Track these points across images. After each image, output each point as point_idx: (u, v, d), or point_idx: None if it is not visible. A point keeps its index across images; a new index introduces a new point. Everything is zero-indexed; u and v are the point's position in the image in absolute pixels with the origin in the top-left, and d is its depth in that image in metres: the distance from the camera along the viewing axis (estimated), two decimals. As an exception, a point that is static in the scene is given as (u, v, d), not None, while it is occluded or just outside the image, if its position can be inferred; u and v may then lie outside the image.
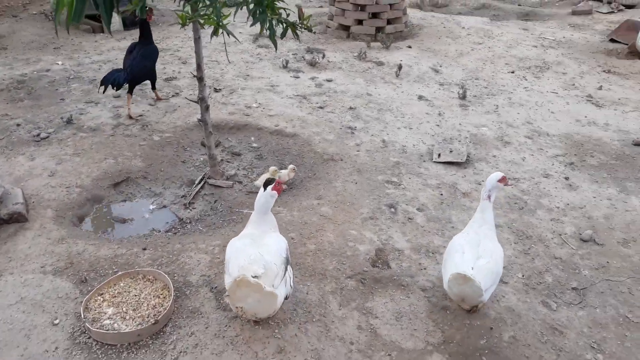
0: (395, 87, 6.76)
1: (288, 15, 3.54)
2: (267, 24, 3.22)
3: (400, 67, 7.08)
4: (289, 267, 2.97)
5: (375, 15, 8.81)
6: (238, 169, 4.83)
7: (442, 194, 4.49)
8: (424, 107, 6.23)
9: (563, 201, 4.46)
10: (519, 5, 12.60)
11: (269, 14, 3.22)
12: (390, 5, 8.76)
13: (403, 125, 5.74)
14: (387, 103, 6.27)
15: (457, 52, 8.16)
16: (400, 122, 5.81)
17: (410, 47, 8.32)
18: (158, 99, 6.10)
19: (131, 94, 5.67)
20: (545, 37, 9.25)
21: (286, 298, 2.93)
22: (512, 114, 6.12)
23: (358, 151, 5.15)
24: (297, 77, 6.94)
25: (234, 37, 3.72)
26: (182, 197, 4.41)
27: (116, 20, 8.85)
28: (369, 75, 7.11)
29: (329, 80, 6.86)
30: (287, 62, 7.28)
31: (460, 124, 5.81)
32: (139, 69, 5.57)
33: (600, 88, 6.94)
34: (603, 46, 8.84)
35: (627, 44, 8.74)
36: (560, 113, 6.19)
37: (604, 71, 7.61)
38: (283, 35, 3.52)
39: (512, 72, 7.42)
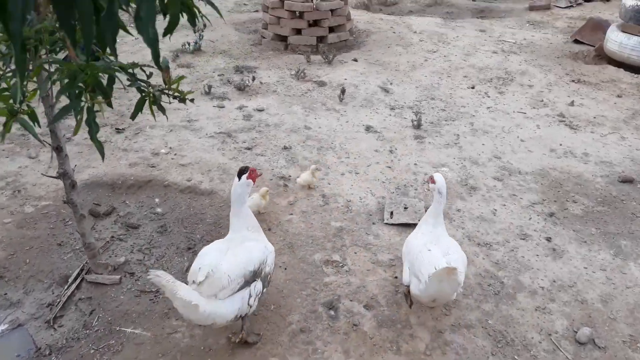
0: (339, 116, 5.70)
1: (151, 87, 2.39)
2: (79, 112, 2.02)
3: (343, 90, 6.02)
4: (255, 284, 2.77)
5: (315, 23, 7.71)
6: (132, 251, 3.68)
7: (397, 277, 3.47)
8: (373, 141, 5.20)
9: (548, 277, 3.52)
10: (473, 0, 11.74)
11: (86, 99, 2.03)
12: (332, 11, 7.67)
13: (348, 170, 4.70)
14: (329, 138, 5.21)
15: (410, 65, 7.16)
16: (344, 164, 4.77)
17: (356, 60, 7.27)
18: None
19: None
20: (505, 39, 8.37)
21: (242, 317, 2.76)
22: (476, 145, 5.16)
23: (291, 214, 4.07)
24: (222, 107, 5.79)
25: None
26: (47, 306, 3.24)
27: None
28: (308, 101, 6.03)
29: (261, 110, 5.74)
30: (210, 87, 6.11)
31: (415, 163, 4.82)
32: None
33: (572, 104, 6.07)
34: (567, 48, 8.02)
35: (593, 46, 7.95)
36: (532, 141, 5.27)
37: (573, 81, 6.77)
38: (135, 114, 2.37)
39: (473, 88, 6.48)
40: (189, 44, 7.34)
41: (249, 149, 4.98)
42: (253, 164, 4.70)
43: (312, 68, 6.94)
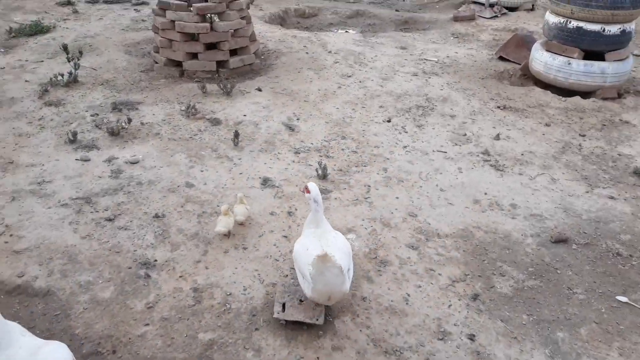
0: (231, 166, 4.78)
1: None
2: None
3: (237, 134, 5.09)
4: None
5: (214, 46, 6.75)
6: None
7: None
8: (269, 199, 4.32)
9: (472, 400, 2.75)
10: (397, 10, 11.11)
11: None
12: (234, 31, 6.73)
13: (233, 244, 3.80)
14: (215, 199, 4.28)
15: (321, 94, 6.33)
16: (229, 237, 3.86)
17: (260, 89, 6.37)
18: None
19: None
20: (427, 58, 7.71)
21: None
22: (389, 200, 4.39)
23: (147, 324, 3.12)
24: (87, 161, 4.74)
25: None
26: None
27: None
28: (196, 146, 5.07)
29: (135, 162, 4.73)
30: (75, 133, 5.03)
31: (317, 230, 3.97)
32: None
33: (497, 137, 5.44)
34: (492, 67, 7.46)
35: (519, 64, 7.42)
36: (453, 190, 4.56)
37: (499, 107, 6.16)
38: None
39: (389, 121, 5.72)
40: (62, 75, 6.19)
41: (110, 219, 3.97)
42: (109, 246, 3.71)
43: (207, 101, 5.97)
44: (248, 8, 7.19)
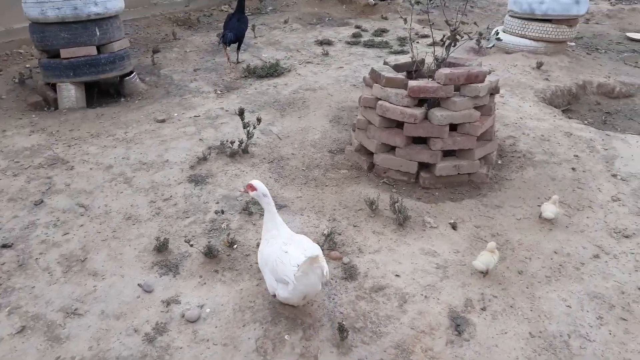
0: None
1: None
2: None
3: (342, 329, 3.05)
4: None
5: (422, 141, 4.77)
6: None
7: None
8: None
9: None
10: None
11: None
12: (457, 125, 4.63)
13: None
14: None
15: (552, 264, 3.71)
16: None
17: (455, 226, 4.13)
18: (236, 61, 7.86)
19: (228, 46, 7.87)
20: None
21: None
22: None
23: None
24: (148, 292, 3.42)
25: None
26: None
27: (72, 94, 6.33)
28: (295, 316, 3.26)
29: (192, 321, 3.21)
30: (167, 242, 3.79)
31: None
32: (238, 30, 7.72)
33: None
34: None
35: None
36: None
37: None
38: None
39: None
40: (233, 141, 5.16)
41: None
42: None
43: (366, 227, 4.06)
44: (493, 94, 4.93)
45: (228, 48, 8.04)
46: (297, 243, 3.02)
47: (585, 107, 7.22)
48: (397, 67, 5.16)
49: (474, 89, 4.61)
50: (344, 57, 8.35)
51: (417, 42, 8.87)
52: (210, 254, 3.66)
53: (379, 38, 9.43)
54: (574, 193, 4.54)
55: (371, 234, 3.99)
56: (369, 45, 9.03)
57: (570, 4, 8.06)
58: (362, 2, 11.99)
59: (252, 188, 3.14)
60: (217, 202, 4.35)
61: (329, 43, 9.05)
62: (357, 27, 10.29)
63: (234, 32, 7.75)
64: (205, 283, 3.48)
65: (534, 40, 8.40)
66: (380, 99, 4.84)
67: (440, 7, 5.87)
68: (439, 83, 4.60)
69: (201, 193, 4.48)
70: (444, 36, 4.86)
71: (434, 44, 5.44)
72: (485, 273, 3.55)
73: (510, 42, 8.61)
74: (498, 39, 8.40)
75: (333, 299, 3.33)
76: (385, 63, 5.27)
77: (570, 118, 6.48)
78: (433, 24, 5.00)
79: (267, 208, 3.14)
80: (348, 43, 9.18)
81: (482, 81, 4.68)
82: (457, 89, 4.68)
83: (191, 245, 3.67)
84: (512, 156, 5.22)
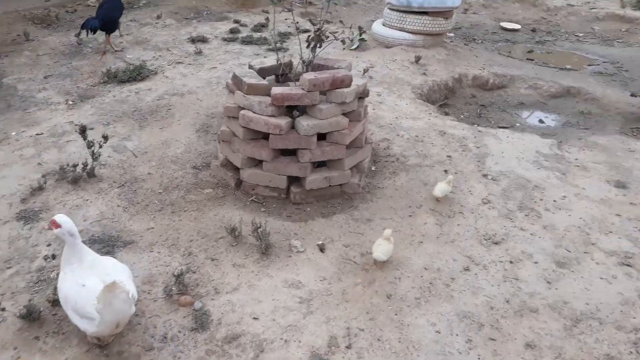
0: None
1: None
2: None
3: None
4: None
5: (290, 152, 4.39)
6: None
7: None
8: None
9: None
10: (633, 95, 7.35)
11: None
12: (325, 135, 4.29)
13: None
14: None
15: (423, 281, 3.50)
16: None
17: (323, 248, 3.81)
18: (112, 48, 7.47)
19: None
20: (663, 223, 4.23)
21: None
22: None
23: None
24: None
25: None
26: None
27: None
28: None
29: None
30: (-23, 302, 3.13)
31: None
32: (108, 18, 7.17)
33: None
34: None
35: None
36: None
37: None
38: None
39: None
40: (76, 164, 4.48)
41: None
42: None
43: (226, 259, 3.63)
44: (362, 98, 4.66)
45: (111, 39, 7.69)
46: (101, 269, 2.75)
47: (462, 100, 7.26)
48: (262, 71, 4.72)
49: (340, 95, 4.30)
50: (218, 56, 7.80)
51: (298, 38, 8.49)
52: (29, 316, 3.03)
53: (258, 34, 8.95)
54: (446, 198, 4.39)
55: (231, 267, 3.56)
56: (247, 42, 8.53)
57: (446, -4, 8.08)
58: (243, -6, 11.42)
59: (56, 225, 2.70)
60: (49, 245, 3.69)
61: (203, 40, 8.43)
62: (236, 21, 9.74)
63: (100, 18, 7.20)
64: (19, 357, 2.86)
65: (412, 33, 8.33)
66: (243, 108, 4.40)
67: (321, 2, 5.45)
68: (303, 89, 4.25)
69: (30, 233, 3.80)
70: (308, 37, 4.50)
71: (307, 43, 5.04)
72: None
73: (389, 36, 8.49)
74: (362, 40, 8.30)
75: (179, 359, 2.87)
76: (251, 67, 4.82)
77: (446, 114, 6.44)
78: (310, 19, 4.58)
79: (71, 246, 2.76)
80: (225, 40, 8.62)
81: (349, 85, 4.38)
82: (325, 94, 4.35)
83: (2, 310, 3.03)
84: (386, 161, 5.01)
